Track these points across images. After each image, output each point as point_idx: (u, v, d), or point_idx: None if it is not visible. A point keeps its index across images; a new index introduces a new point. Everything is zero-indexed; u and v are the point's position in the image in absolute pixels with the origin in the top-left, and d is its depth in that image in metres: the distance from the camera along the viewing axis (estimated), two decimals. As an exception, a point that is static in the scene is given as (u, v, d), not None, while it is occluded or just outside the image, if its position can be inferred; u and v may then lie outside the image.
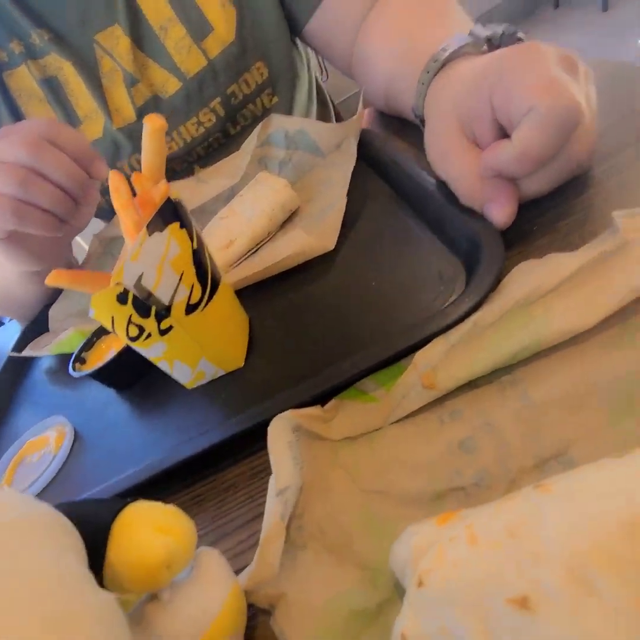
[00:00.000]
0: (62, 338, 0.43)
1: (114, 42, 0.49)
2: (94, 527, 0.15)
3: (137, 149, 0.54)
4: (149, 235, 0.24)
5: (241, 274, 0.36)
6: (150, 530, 0.15)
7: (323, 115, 0.69)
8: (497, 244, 0.25)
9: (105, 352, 0.36)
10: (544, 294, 0.21)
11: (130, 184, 0.27)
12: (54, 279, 0.24)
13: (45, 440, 0.35)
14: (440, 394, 0.21)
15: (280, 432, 0.21)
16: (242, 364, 0.31)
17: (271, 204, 0.41)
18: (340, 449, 0.23)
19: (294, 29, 0.55)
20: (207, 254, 0.28)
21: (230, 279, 0.36)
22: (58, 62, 0.50)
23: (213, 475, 0.26)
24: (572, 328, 0.20)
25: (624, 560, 0.11)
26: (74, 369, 0.35)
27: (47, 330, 0.49)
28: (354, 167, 0.42)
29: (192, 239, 0.27)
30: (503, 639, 0.12)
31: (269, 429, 0.21)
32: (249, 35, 0.52)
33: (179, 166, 0.58)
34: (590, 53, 2.09)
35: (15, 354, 0.46)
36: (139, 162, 0.55)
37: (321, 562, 0.19)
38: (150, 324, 0.26)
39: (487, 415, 0.20)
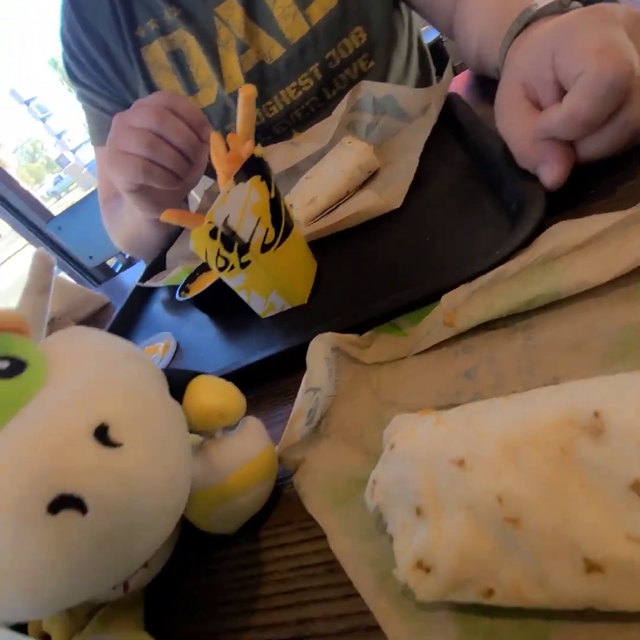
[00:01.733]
0: (173, 273, 0.52)
1: (230, 13, 0.56)
2: (177, 383, 0.22)
3: None
4: (235, 184, 0.30)
5: (316, 227, 0.41)
6: (211, 392, 0.22)
7: (423, 81, 0.69)
8: (537, 203, 0.26)
9: (203, 284, 0.44)
10: (568, 251, 0.23)
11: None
12: (166, 216, 0.32)
13: (156, 348, 0.45)
14: (456, 332, 0.24)
15: (320, 348, 0.27)
16: (306, 301, 0.36)
17: (351, 166, 0.45)
18: (370, 371, 0.27)
19: None
20: (282, 205, 0.34)
21: (307, 231, 0.42)
22: (183, 36, 0.58)
23: (270, 383, 0.32)
24: (587, 280, 0.21)
25: (548, 445, 0.15)
26: (179, 295, 0.44)
27: (165, 268, 0.60)
28: (436, 130, 0.43)
29: (270, 190, 0.32)
30: (441, 486, 0.16)
31: (311, 343, 0.27)
32: (351, 0, 0.54)
33: (279, 130, 0.64)
34: None
35: (141, 284, 0.57)
36: (258, 119, 0.62)
37: (338, 446, 0.24)
38: (233, 257, 0.33)
39: (492, 351, 0.23)
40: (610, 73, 0.22)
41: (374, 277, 0.35)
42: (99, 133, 0.68)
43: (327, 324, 0.30)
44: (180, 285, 0.46)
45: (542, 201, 0.26)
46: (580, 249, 0.23)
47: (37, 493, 0.12)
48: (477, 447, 0.16)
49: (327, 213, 0.45)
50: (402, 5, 0.61)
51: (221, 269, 0.34)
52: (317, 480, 0.22)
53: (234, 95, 0.60)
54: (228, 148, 0.32)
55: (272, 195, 0.32)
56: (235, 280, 0.35)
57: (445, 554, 0.15)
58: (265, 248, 0.33)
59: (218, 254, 0.32)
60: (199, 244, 0.32)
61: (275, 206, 0.33)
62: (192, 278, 0.46)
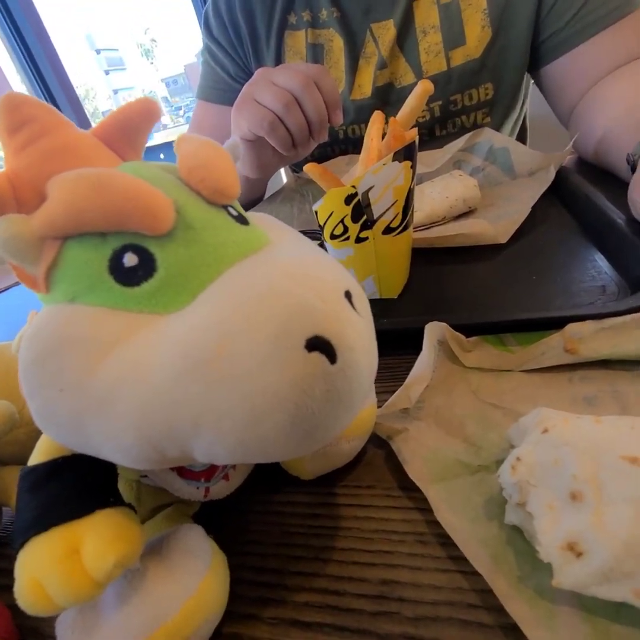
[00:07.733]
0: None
1: (383, 32, 0.59)
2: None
3: (356, 122, 0.64)
4: (392, 160, 0.30)
5: (419, 235, 0.42)
6: None
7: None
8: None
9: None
10: None
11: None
12: (309, 168, 0.32)
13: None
14: (576, 360, 0.25)
15: (433, 332, 0.27)
16: (396, 296, 0.37)
17: (456, 195, 0.47)
18: (469, 373, 0.27)
19: (533, 64, 0.60)
20: (413, 199, 0.35)
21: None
22: (332, 35, 0.60)
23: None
24: None
25: None
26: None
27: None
28: (544, 194, 0.45)
29: (412, 180, 0.33)
30: (606, 477, 0.16)
31: (427, 326, 0.27)
32: (493, 57, 0.58)
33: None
34: None
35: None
36: (354, 131, 0.64)
37: (434, 430, 0.24)
38: (354, 229, 0.33)
39: (615, 386, 0.23)
40: None
41: (466, 294, 0.35)
42: (207, 88, 0.69)
43: (419, 317, 0.30)
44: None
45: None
46: None
47: (299, 324, 0.11)
48: (651, 450, 0.16)
49: (419, 230, 0.46)
50: (526, 78, 0.65)
51: (334, 237, 0.34)
52: (420, 451, 0.22)
53: (357, 103, 0.62)
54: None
55: (412, 186, 0.33)
56: (339, 252, 0.35)
57: (607, 542, 0.14)
58: (387, 231, 0.33)
59: (341, 221, 0.33)
60: (329, 204, 0.32)
61: (409, 197, 0.34)
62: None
